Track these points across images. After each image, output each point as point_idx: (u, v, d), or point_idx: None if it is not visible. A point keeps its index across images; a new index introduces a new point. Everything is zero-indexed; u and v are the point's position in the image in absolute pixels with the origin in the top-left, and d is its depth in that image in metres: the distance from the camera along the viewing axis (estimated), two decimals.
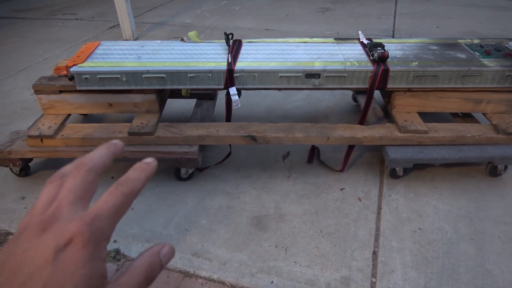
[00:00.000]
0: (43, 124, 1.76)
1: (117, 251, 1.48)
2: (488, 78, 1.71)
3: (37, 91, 1.78)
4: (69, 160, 1.61)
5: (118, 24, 3.66)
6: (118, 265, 1.44)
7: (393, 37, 3.54)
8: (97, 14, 4.53)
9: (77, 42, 3.60)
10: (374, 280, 1.37)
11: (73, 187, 0.31)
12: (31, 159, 1.85)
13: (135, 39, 3.64)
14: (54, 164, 1.95)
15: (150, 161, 0.35)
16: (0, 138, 2.08)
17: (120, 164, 1.94)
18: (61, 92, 1.79)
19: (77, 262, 0.26)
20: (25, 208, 1.69)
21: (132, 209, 1.68)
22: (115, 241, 1.53)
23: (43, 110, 1.84)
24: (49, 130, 1.72)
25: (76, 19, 4.36)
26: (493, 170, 1.78)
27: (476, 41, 1.93)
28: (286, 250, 1.48)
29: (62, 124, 1.79)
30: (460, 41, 1.94)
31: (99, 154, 0.34)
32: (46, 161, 1.97)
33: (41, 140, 1.71)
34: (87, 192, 0.31)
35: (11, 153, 1.73)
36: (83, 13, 4.56)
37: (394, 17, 4.13)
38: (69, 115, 1.87)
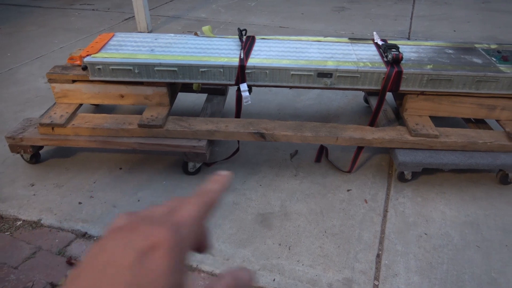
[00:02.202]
0: (55, 113, 1.79)
1: None
2: (504, 84, 1.67)
3: (51, 80, 1.81)
4: (79, 149, 1.64)
5: (133, 16, 3.68)
6: None
7: (408, 39, 3.49)
8: (113, 5, 4.56)
9: (93, 33, 3.63)
10: (376, 283, 1.36)
11: (186, 211, 0.31)
12: (42, 147, 1.87)
13: (150, 32, 3.66)
14: (64, 152, 1.97)
15: (225, 173, 0.36)
16: (13, 125, 2.12)
17: (129, 155, 1.95)
18: (74, 81, 1.81)
19: (159, 270, 0.26)
20: (34, 194, 1.72)
21: (139, 201, 1.69)
22: None
23: (56, 98, 1.86)
24: (60, 119, 1.74)
25: (93, 9, 4.40)
26: (504, 178, 1.75)
27: (493, 46, 1.90)
28: (289, 249, 1.48)
29: (74, 113, 1.81)
30: (476, 45, 1.91)
31: (217, 191, 0.34)
32: (56, 149, 1.99)
33: (52, 129, 1.73)
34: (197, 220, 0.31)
35: (23, 140, 1.75)
36: (99, 4, 4.60)
37: (411, 19, 4.07)
38: (81, 104, 1.89)
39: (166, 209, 0.31)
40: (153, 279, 0.26)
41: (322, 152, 1.93)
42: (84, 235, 1.53)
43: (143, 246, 0.27)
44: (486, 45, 1.91)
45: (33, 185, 1.78)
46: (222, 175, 0.35)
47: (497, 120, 1.81)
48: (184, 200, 0.32)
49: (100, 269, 0.26)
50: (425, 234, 1.54)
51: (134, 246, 0.27)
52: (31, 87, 2.62)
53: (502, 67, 1.69)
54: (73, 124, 1.74)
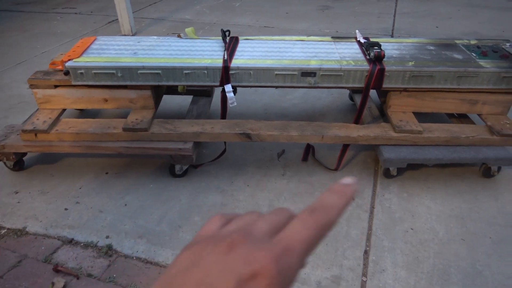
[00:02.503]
0: (38, 119, 1.76)
1: (110, 247, 1.49)
2: (484, 79, 1.70)
3: (33, 86, 1.78)
4: (64, 155, 1.61)
5: (117, 19, 3.65)
6: (110, 260, 1.44)
7: (392, 36, 3.53)
8: (96, 8, 4.52)
9: (76, 37, 3.59)
10: (364, 279, 1.37)
11: (296, 234, 0.26)
12: (25, 154, 1.85)
13: (134, 34, 3.63)
14: (49, 158, 1.95)
15: (351, 182, 0.29)
16: None
17: (115, 160, 1.94)
18: (56, 86, 1.79)
19: None
20: (18, 202, 1.70)
21: (126, 205, 1.68)
22: (107, 237, 1.53)
23: (39, 104, 1.84)
24: (43, 125, 1.72)
25: (76, 13, 4.35)
26: (487, 171, 1.78)
27: (473, 42, 1.93)
28: None
29: (57, 119, 1.79)
30: (457, 41, 1.94)
31: (337, 207, 0.28)
32: (40, 156, 1.97)
33: (35, 135, 1.71)
34: (312, 244, 0.27)
35: (5, 147, 1.73)
36: (82, 8, 4.55)
37: (394, 16, 4.11)
38: (64, 110, 1.87)
39: (268, 225, 0.27)
40: None
41: (308, 151, 1.94)
42: (71, 242, 1.52)
43: (244, 273, 0.24)
44: (466, 41, 1.94)
45: (17, 192, 1.75)
46: (347, 185, 0.29)
47: (479, 115, 1.85)
48: (289, 217, 0.28)
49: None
50: (411, 229, 1.56)
51: (233, 271, 0.24)
52: (13, 93, 2.58)
53: (482, 62, 1.72)
54: (57, 130, 1.72)
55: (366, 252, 1.47)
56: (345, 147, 1.81)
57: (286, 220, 0.28)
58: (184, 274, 0.24)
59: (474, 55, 1.78)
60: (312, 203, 0.27)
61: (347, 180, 0.29)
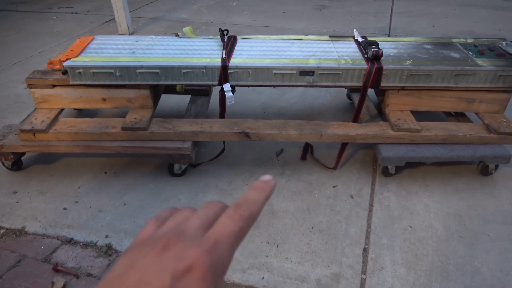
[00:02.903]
0: (36, 118, 1.76)
1: (109, 246, 1.49)
2: (481, 78, 1.72)
3: (30, 85, 1.78)
4: (62, 154, 1.61)
5: (114, 19, 3.64)
6: (110, 260, 1.44)
7: (389, 35, 3.55)
8: (93, 8, 4.50)
9: (72, 36, 3.58)
10: (364, 276, 1.38)
11: (224, 227, 0.28)
12: (23, 154, 1.84)
13: (131, 34, 3.62)
14: (47, 158, 1.94)
15: (268, 179, 0.32)
16: None
17: (113, 159, 1.94)
18: (54, 86, 1.78)
19: None
20: (17, 202, 1.69)
21: (125, 204, 1.68)
22: (107, 236, 1.53)
23: (36, 104, 1.83)
24: (42, 125, 1.71)
25: (72, 12, 4.33)
26: (484, 169, 1.79)
27: (470, 41, 1.94)
28: (277, 247, 1.49)
29: (55, 118, 1.79)
30: (454, 40, 1.95)
31: (259, 205, 0.30)
32: (39, 156, 1.96)
33: (34, 135, 1.71)
34: (239, 236, 0.29)
35: (3, 147, 1.72)
36: (79, 7, 4.53)
37: (391, 15, 4.13)
38: (63, 109, 1.87)
39: (200, 221, 0.29)
40: None
41: (307, 150, 1.95)
42: (70, 241, 1.51)
43: (178, 268, 0.25)
44: (463, 40, 1.95)
45: (15, 192, 1.75)
46: (265, 182, 0.31)
47: (476, 113, 1.86)
48: (220, 211, 0.30)
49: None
50: (410, 226, 1.57)
51: (168, 267, 0.25)
52: (10, 93, 2.57)
53: (479, 60, 1.73)
54: (55, 130, 1.72)
55: (365, 250, 1.48)
56: (344, 145, 1.82)
57: (218, 213, 0.30)
58: (121, 277, 0.25)
59: (471, 53, 1.80)
60: (238, 200, 0.30)
61: (266, 177, 0.32)
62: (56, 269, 1.39)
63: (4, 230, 1.56)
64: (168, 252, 0.26)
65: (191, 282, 0.25)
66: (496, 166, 1.79)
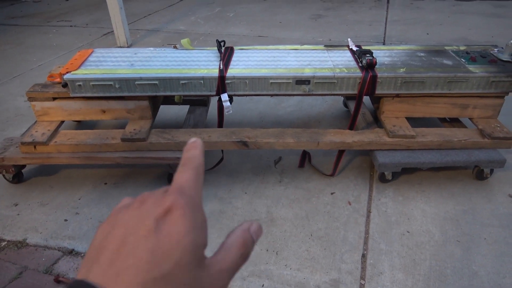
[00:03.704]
0: (36, 131, 1.78)
1: None
2: (474, 84, 1.75)
3: (31, 98, 1.80)
4: (63, 166, 1.64)
5: (113, 31, 3.68)
6: None
7: (384, 43, 3.60)
8: (91, 21, 4.56)
9: (72, 49, 3.62)
10: (363, 282, 1.39)
11: (181, 178, 0.31)
12: (24, 166, 1.86)
13: (129, 46, 3.67)
14: (47, 170, 1.96)
15: (194, 139, 0.35)
16: None
17: (113, 170, 1.96)
18: (54, 99, 1.81)
19: (180, 230, 0.26)
20: (18, 214, 1.71)
21: None
22: None
23: (37, 117, 1.86)
24: (42, 137, 1.74)
25: (71, 26, 4.39)
26: (479, 174, 1.82)
27: (462, 48, 1.98)
28: (277, 254, 1.50)
29: (56, 130, 1.81)
30: (446, 47, 1.99)
31: (197, 155, 0.34)
32: (39, 168, 1.98)
33: (35, 147, 1.73)
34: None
35: (4, 160, 1.74)
36: (77, 20, 4.59)
37: (386, 24, 4.19)
38: (63, 121, 1.89)
39: (162, 188, 0.31)
40: (175, 240, 0.26)
41: (305, 157, 1.97)
42: (71, 252, 1.53)
43: (158, 212, 0.27)
44: (456, 47, 1.99)
45: (16, 204, 1.76)
46: (193, 142, 0.35)
47: (470, 118, 1.89)
48: (176, 172, 0.33)
49: (120, 242, 0.26)
50: (408, 232, 1.59)
51: (149, 214, 0.27)
52: (10, 106, 2.60)
53: (471, 67, 1.76)
54: (56, 142, 1.74)
55: (363, 256, 1.49)
56: (341, 152, 1.84)
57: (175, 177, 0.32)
58: (106, 238, 0.27)
59: (464, 60, 1.83)
60: (182, 160, 0.33)
61: (192, 139, 0.35)
62: (58, 280, 1.40)
63: (6, 242, 1.58)
64: (145, 205, 0.28)
65: (174, 219, 0.27)
66: (491, 171, 1.81)
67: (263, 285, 1.38)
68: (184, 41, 1.98)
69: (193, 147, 0.34)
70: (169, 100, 2.13)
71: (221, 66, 1.74)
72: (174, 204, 0.27)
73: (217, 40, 1.93)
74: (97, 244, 0.27)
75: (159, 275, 0.25)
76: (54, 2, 5.51)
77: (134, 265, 0.25)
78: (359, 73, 1.71)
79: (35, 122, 1.89)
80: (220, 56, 1.83)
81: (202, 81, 1.71)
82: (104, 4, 3.60)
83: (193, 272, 0.26)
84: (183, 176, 0.31)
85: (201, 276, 0.27)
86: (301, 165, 1.97)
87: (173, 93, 1.75)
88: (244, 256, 0.31)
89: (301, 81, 1.72)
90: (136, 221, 0.27)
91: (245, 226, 0.32)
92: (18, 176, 1.86)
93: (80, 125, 2.30)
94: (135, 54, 1.90)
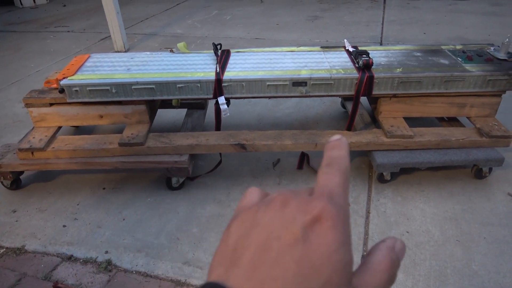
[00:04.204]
0: (34, 137, 1.78)
1: (109, 262, 1.49)
2: (470, 83, 1.75)
3: (28, 104, 1.80)
4: (61, 172, 1.64)
5: (110, 36, 3.69)
6: (110, 275, 1.45)
7: (381, 44, 3.60)
8: (88, 26, 4.56)
9: (69, 54, 3.62)
10: None
11: (330, 181, 0.28)
12: (22, 172, 1.86)
13: (127, 50, 3.67)
14: (45, 176, 1.96)
15: (339, 137, 0.31)
16: None
17: (111, 175, 1.95)
18: (51, 104, 1.81)
19: (330, 243, 0.23)
20: (16, 221, 1.70)
21: (124, 219, 1.69)
22: (106, 252, 1.54)
23: (34, 123, 1.85)
24: (40, 143, 1.73)
25: (68, 31, 4.39)
26: (478, 173, 1.81)
27: (458, 47, 1.98)
28: None
29: (53, 136, 1.81)
30: (443, 47, 1.99)
31: (343, 156, 0.30)
32: (37, 174, 1.98)
33: (32, 153, 1.73)
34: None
35: (1, 167, 1.74)
36: (74, 26, 4.59)
37: (382, 24, 4.19)
38: (60, 127, 1.89)
39: (304, 190, 0.28)
40: (326, 255, 0.23)
41: (303, 159, 1.97)
42: (70, 258, 1.52)
43: (306, 220, 0.24)
44: (452, 46, 1.99)
45: (15, 211, 1.76)
46: (337, 140, 0.31)
47: (468, 117, 1.89)
48: (321, 173, 0.29)
49: (263, 245, 0.24)
50: (407, 232, 1.59)
51: (295, 221, 0.24)
52: (8, 112, 2.60)
53: (468, 66, 1.77)
54: (53, 147, 1.74)
55: (363, 257, 1.49)
56: None
57: (320, 178, 0.29)
58: (246, 238, 0.25)
59: (460, 59, 1.83)
60: (327, 160, 0.29)
61: (335, 136, 0.31)
62: (57, 287, 1.40)
63: (4, 249, 1.57)
64: (289, 208, 0.25)
65: (322, 231, 0.24)
66: (490, 169, 1.81)
67: None
68: (180, 44, 1.98)
69: (338, 146, 0.30)
70: (166, 104, 2.13)
71: (218, 69, 1.74)
72: (324, 213, 0.24)
73: (213, 43, 1.93)
74: (233, 242, 0.25)
75: None
76: (51, 8, 5.52)
77: (281, 276, 0.22)
78: (355, 74, 1.71)
79: (33, 128, 1.88)
80: (217, 59, 1.83)
81: (199, 85, 1.71)
82: (101, 9, 3.61)
83: None
84: (332, 179, 0.28)
85: None
86: (300, 166, 1.96)
87: (170, 97, 1.75)
88: (392, 279, 0.27)
89: (298, 83, 1.72)
90: (281, 224, 0.24)
91: (390, 244, 0.28)
92: (16, 182, 1.86)
93: (78, 130, 2.30)
94: (132, 58, 1.90)
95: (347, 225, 0.25)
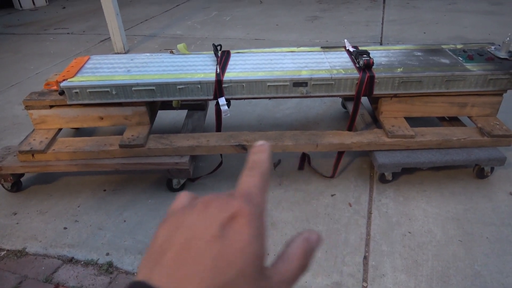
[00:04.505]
0: (34, 139, 1.77)
1: (110, 264, 1.49)
2: (471, 82, 1.74)
3: (28, 107, 1.80)
4: (61, 174, 1.63)
5: (109, 37, 3.68)
6: (111, 277, 1.44)
7: (381, 43, 3.59)
8: (88, 28, 4.56)
9: (69, 56, 3.62)
10: (365, 284, 1.38)
11: (249, 182, 0.30)
12: (22, 174, 1.85)
13: (126, 52, 3.67)
14: (46, 178, 1.95)
15: (263, 143, 0.34)
16: None
17: (112, 176, 1.95)
18: (51, 107, 1.80)
19: (244, 238, 0.26)
20: (17, 223, 1.70)
21: (125, 221, 1.69)
22: (107, 254, 1.54)
23: (34, 125, 1.85)
24: (40, 145, 1.73)
25: (68, 33, 4.39)
26: (480, 172, 1.81)
27: (459, 46, 1.98)
28: None
29: (54, 138, 1.81)
30: (443, 46, 1.98)
31: (265, 160, 0.33)
32: (38, 176, 1.97)
33: (33, 155, 1.72)
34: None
35: (2, 169, 1.73)
36: (74, 27, 4.59)
37: (382, 24, 4.19)
38: (60, 129, 1.89)
39: (227, 192, 0.30)
40: (240, 249, 0.25)
41: (304, 160, 1.96)
42: (71, 260, 1.52)
43: (223, 218, 0.26)
44: (453, 46, 1.99)
45: (15, 213, 1.75)
46: (261, 145, 0.34)
47: (469, 117, 1.88)
48: (243, 176, 0.32)
49: (184, 245, 0.26)
50: (409, 232, 1.58)
51: (214, 219, 0.26)
52: (8, 114, 2.59)
53: (468, 65, 1.76)
54: (54, 149, 1.74)
55: (365, 258, 1.48)
56: (340, 154, 1.84)
57: (240, 181, 0.32)
58: (169, 239, 0.26)
59: (461, 59, 1.83)
60: (248, 163, 0.32)
61: (260, 142, 0.34)
62: None
63: (5, 251, 1.56)
64: (210, 208, 0.27)
65: (239, 227, 0.26)
66: (492, 169, 1.80)
67: None
68: (180, 46, 1.97)
69: (261, 150, 0.33)
70: (166, 105, 2.13)
71: (218, 70, 1.74)
72: (240, 211, 0.27)
73: (213, 44, 1.92)
74: (159, 244, 0.27)
75: (222, 283, 0.24)
76: (51, 10, 5.52)
77: (199, 271, 0.24)
78: (356, 74, 1.71)
79: (33, 130, 1.88)
80: (217, 60, 1.83)
81: (199, 86, 1.71)
82: (101, 11, 3.60)
83: (255, 282, 0.26)
84: (251, 180, 0.30)
85: (262, 286, 0.26)
86: (301, 167, 1.96)
87: (170, 98, 1.75)
88: (304, 267, 0.30)
89: (298, 83, 1.72)
90: (201, 224, 0.26)
91: (305, 235, 0.31)
92: (16, 184, 1.85)
93: (78, 132, 2.29)
94: (132, 60, 1.89)
95: (261, 221, 0.28)
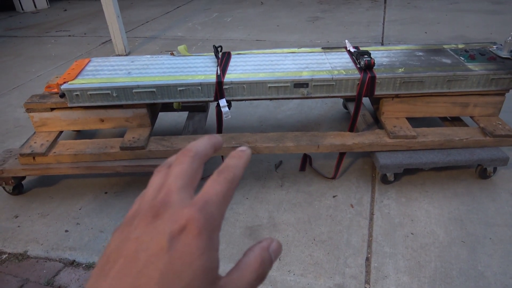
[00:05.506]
0: (35, 142, 1.77)
1: None
2: (473, 82, 1.73)
3: (29, 109, 1.80)
4: (63, 177, 1.65)
5: (111, 40, 3.69)
6: None
7: (382, 44, 3.59)
8: (89, 30, 4.57)
9: (70, 59, 3.63)
10: (367, 286, 1.37)
11: (179, 173, 0.29)
12: (24, 177, 1.85)
13: (127, 54, 3.67)
14: (47, 181, 1.95)
15: (244, 148, 0.33)
16: None
17: (113, 179, 1.95)
18: (52, 109, 1.80)
19: (193, 251, 0.25)
20: (19, 226, 1.70)
21: None
22: None
23: (35, 128, 1.85)
24: (41, 148, 1.73)
25: (69, 35, 4.40)
26: (482, 173, 1.80)
27: (461, 46, 1.97)
28: (280, 260, 1.49)
29: (55, 141, 1.80)
30: (445, 46, 1.97)
31: (202, 144, 0.33)
32: (39, 179, 1.97)
33: (34, 158, 1.72)
34: (192, 178, 0.30)
35: (3, 172, 1.73)
36: (75, 30, 4.60)
37: (383, 24, 4.18)
38: (61, 132, 1.89)
39: (180, 181, 0.29)
40: (188, 262, 0.25)
41: (305, 161, 1.96)
42: (73, 263, 1.51)
43: (173, 229, 0.25)
44: (454, 45, 1.98)
45: (17, 216, 1.75)
46: (241, 151, 0.33)
47: (471, 117, 1.87)
48: (192, 160, 0.31)
49: (131, 257, 0.25)
50: (412, 233, 1.57)
51: (163, 231, 0.26)
52: (9, 117, 2.60)
53: (470, 65, 1.75)
54: (55, 152, 1.73)
55: (368, 259, 1.48)
56: (341, 155, 1.83)
57: (194, 167, 0.30)
58: (117, 250, 0.26)
59: (462, 59, 1.82)
60: (220, 166, 0.31)
61: (242, 148, 0.33)
62: None
63: (6, 255, 1.56)
64: (160, 219, 0.27)
65: (188, 239, 0.25)
66: (495, 169, 1.79)
67: None
68: (181, 47, 1.97)
69: (239, 156, 0.32)
70: (167, 107, 2.13)
71: (219, 72, 1.73)
72: (192, 222, 0.26)
73: (214, 46, 1.92)
74: (108, 254, 0.27)
75: None
76: (52, 13, 5.54)
77: (144, 284, 0.24)
78: (357, 75, 1.70)
79: (34, 133, 1.88)
80: (218, 62, 1.82)
81: (200, 87, 1.71)
82: (102, 13, 3.61)
83: None
84: (215, 187, 0.29)
85: None
86: (302, 168, 1.95)
87: (171, 100, 1.74)
88: (260, 277, 0.29)
89: (299, 84, 1.71)
90: (150, 236, 0.26)
91: (264, 244, 0.31)
92: (18, 187, 1.85)
93: (79, 134, 2.29)
94: (132, 62, 1.89)
95: (214, 232, 0.27)
